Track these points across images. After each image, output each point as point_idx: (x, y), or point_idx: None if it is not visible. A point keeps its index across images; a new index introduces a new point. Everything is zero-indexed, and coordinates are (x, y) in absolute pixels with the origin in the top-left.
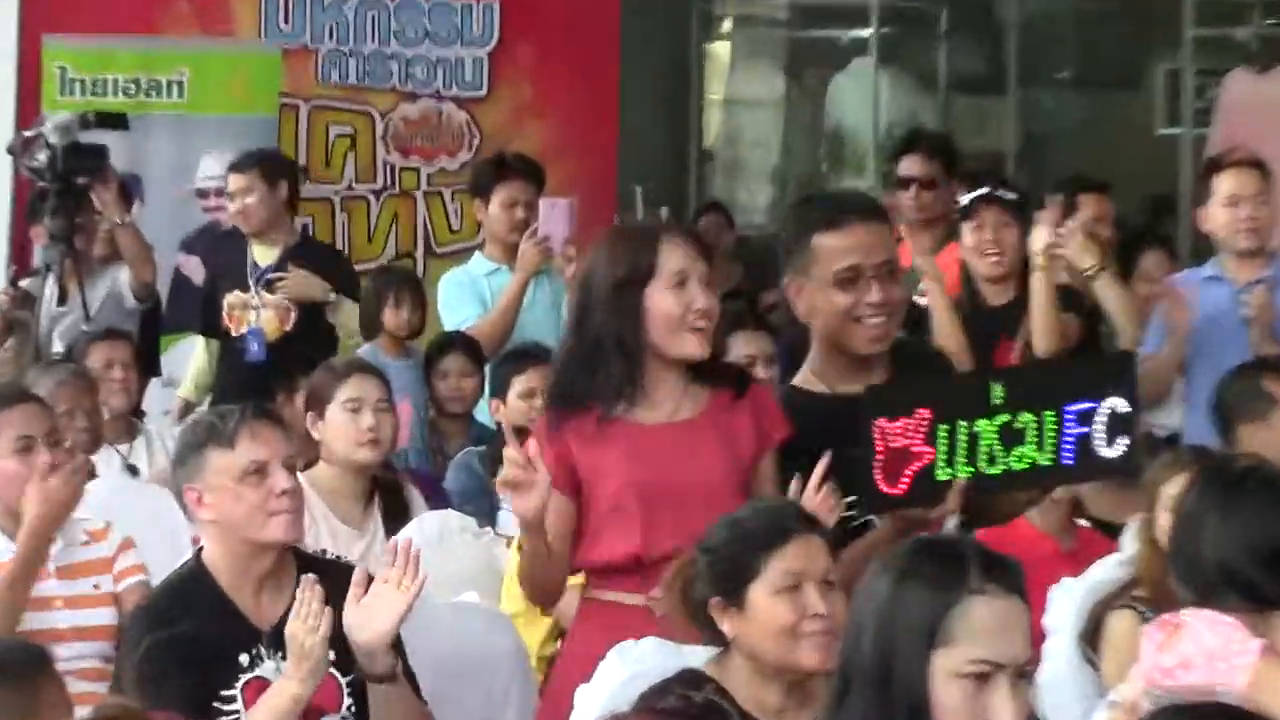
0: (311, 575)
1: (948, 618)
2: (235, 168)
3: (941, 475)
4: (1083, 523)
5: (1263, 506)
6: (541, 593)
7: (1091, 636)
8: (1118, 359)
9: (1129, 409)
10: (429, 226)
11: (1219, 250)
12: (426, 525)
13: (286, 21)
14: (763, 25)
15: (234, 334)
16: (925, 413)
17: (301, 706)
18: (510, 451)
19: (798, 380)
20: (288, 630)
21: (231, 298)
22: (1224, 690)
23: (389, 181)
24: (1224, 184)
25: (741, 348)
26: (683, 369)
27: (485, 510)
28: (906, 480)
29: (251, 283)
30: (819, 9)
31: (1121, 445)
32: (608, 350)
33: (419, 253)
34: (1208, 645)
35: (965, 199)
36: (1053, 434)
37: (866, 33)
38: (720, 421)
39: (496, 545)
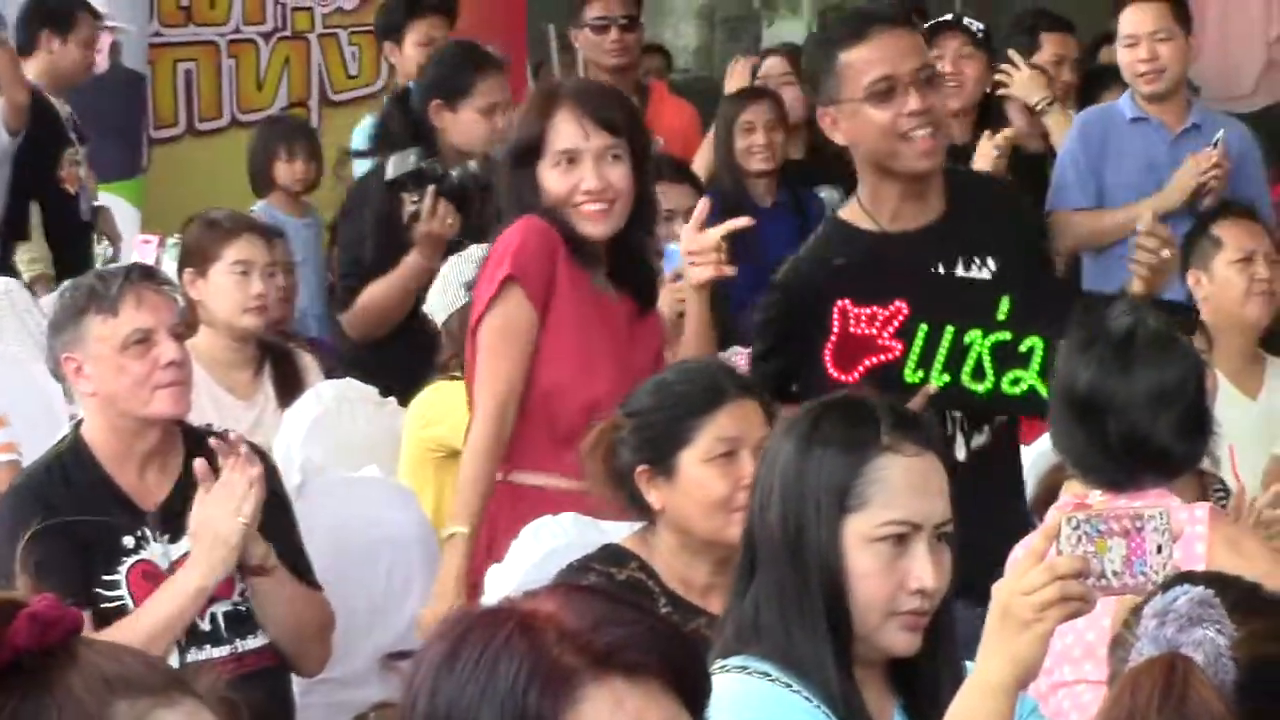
0: (244, 449)
1: (859, 479)
2: None
3: (911, 378)
4: None
5: (1158, 362)
6: None
7: (1043, 505)
8: (1180, 315)
9: None
10: (324, 72)
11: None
12: (324, 394)
13: None
14: None
15: (71, 191)
16: (901, 305)
17: (206, 597)
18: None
19: (844, 213)
20: (201, 512)
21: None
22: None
23: (280, 23)
24: (1124, 21)
25: (661, 201)
26: (601, 251)
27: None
28: (861, 370)
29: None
30: None
31: None
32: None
33: (313, 101)
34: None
35: (924, 27)
36: None
37: None
38: (636, 321)
39: (399, 415)
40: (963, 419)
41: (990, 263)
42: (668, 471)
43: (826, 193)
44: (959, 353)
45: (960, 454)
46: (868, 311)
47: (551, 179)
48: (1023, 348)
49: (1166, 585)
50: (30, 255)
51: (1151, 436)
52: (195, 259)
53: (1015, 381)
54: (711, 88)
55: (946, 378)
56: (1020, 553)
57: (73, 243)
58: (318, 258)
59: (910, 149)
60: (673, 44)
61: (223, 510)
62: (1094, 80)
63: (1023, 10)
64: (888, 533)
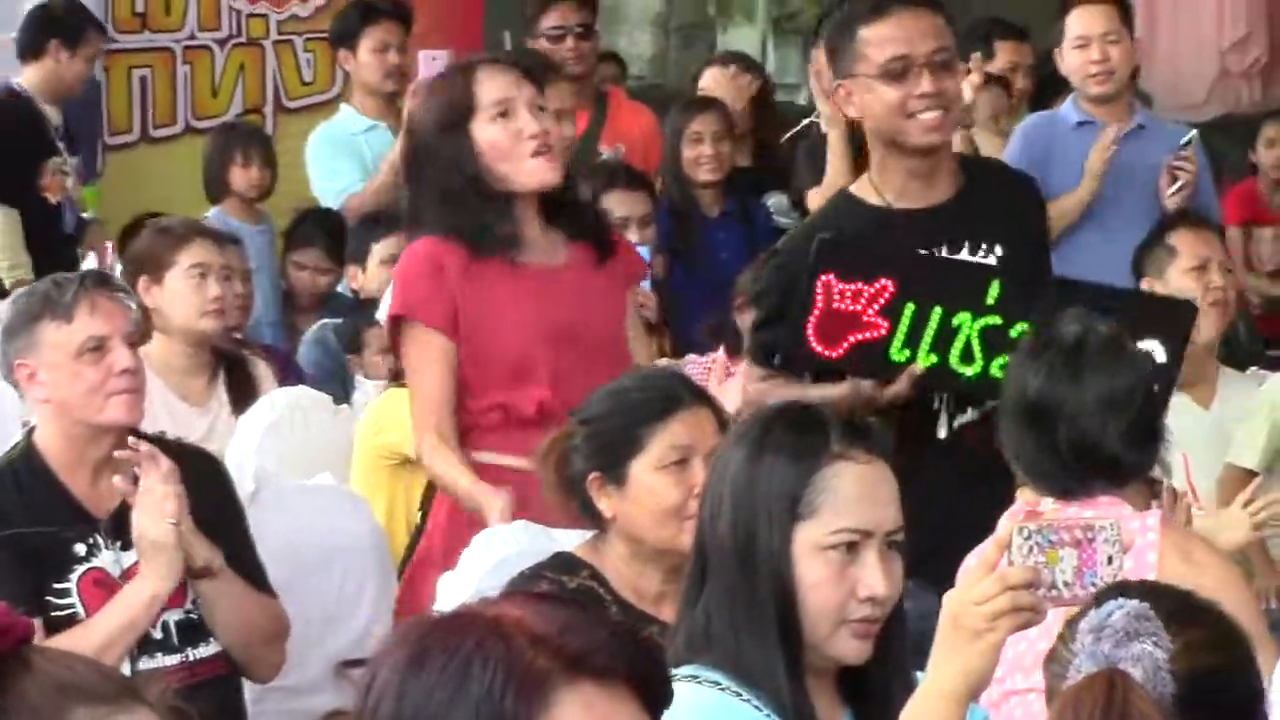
0: (147, 448)
1: (809, 487)
2: None
3: (897, 356)
4: None
5: (1107, 370)
6: None
7: None
8: (1179, 307)
9: (1166, 361)
10: (279, 79)
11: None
12: (278, 402)
13: None
14: None
15: (53, 201)
16: (887, 283)
17: (159, 605)
18: None
19: (854, 187)
20: (135, 524)
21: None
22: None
23: (235, 29)
24: (1073, 23)
25: (615, 208)
26: (538, 208)
27: (340, 392)
28: (846, 346)
29: (62, 144)
30: None
31: None
32: (463, 193)
33: (268, 108)
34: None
35: None
36: None
37: None
38: (595, 270)
39: (352, 423)
40: (949, 398)
41: (998, 249)
42: (619, 479)
43: (774, 199)
44: (948, 334)
45: (941, 432)
46: (852, 288)
47: (490, 133)
48: (1013, 333)
49: (1100, 598)
50: (10, 261)
51: (1101, 444)
52: (149, 266)
53: (1004, 366)
54: (666, 95)
55: (934, 358)
56: (972, 562)
57: (54, 254)
58: (272, 265)
59: (916, 125)
60: (627, 52)
61: (150, 517)
62: (1047, 87)
63: (977, 18)
64: (838, 540)
